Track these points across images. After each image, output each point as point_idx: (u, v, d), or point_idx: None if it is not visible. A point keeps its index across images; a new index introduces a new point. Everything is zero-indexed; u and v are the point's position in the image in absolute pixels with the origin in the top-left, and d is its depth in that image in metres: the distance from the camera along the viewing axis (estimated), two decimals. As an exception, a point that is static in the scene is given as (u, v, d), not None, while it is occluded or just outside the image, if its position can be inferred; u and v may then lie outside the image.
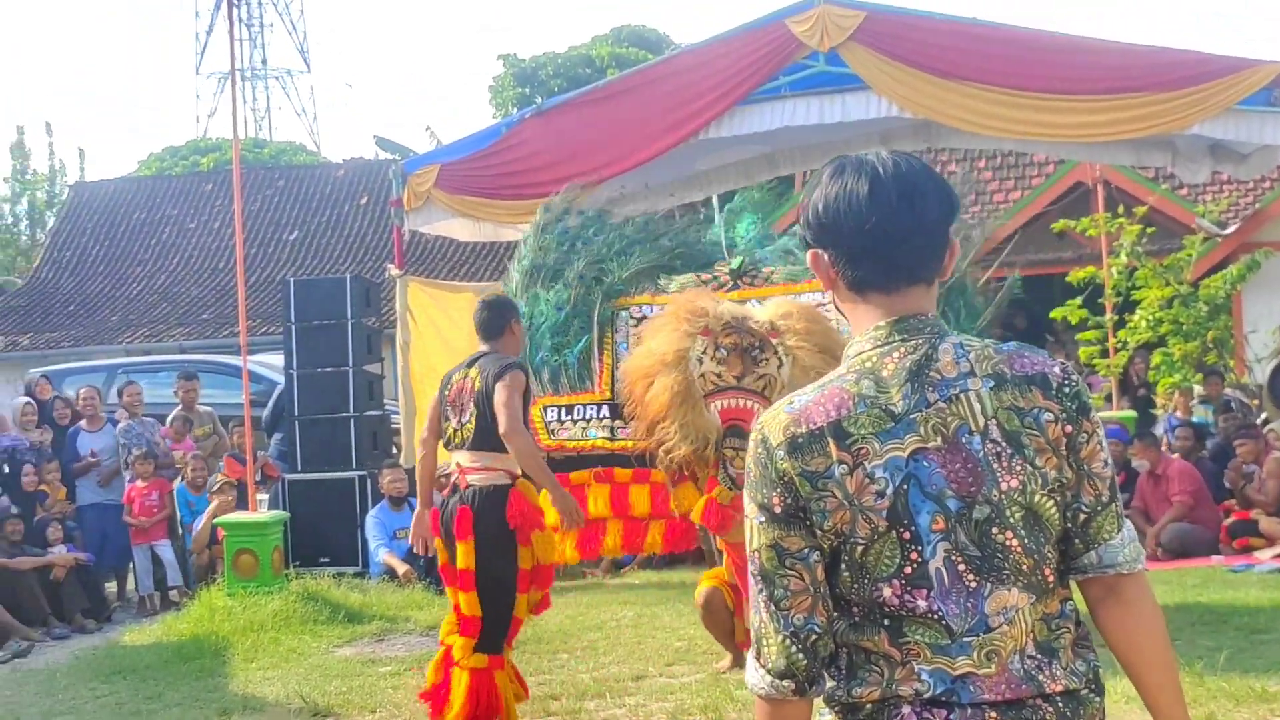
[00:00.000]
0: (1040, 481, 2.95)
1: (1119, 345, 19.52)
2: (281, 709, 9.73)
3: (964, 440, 2.93)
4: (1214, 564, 14.03)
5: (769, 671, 2.97)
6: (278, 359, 17.49)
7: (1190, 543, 14.64)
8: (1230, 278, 19.45)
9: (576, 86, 18.28)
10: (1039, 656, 2.95)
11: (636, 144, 16.02)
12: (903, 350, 3.00)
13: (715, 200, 23.24)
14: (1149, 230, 20.00)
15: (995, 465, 2.93)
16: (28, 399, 16.99)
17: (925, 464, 2.92)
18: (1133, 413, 18.98)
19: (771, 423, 3.00)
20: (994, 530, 2.92)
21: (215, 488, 15.11)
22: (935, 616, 2.91)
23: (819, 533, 2.94)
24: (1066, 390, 3.00)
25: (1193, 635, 10.48)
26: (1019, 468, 2.94)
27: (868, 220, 2.99)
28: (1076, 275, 19.81)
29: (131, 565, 15.87)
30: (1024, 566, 2.94)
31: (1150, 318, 19.22)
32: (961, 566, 2.91)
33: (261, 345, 24.57)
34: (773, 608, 2.95)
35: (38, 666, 12.29)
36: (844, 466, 2.91)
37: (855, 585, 2.95)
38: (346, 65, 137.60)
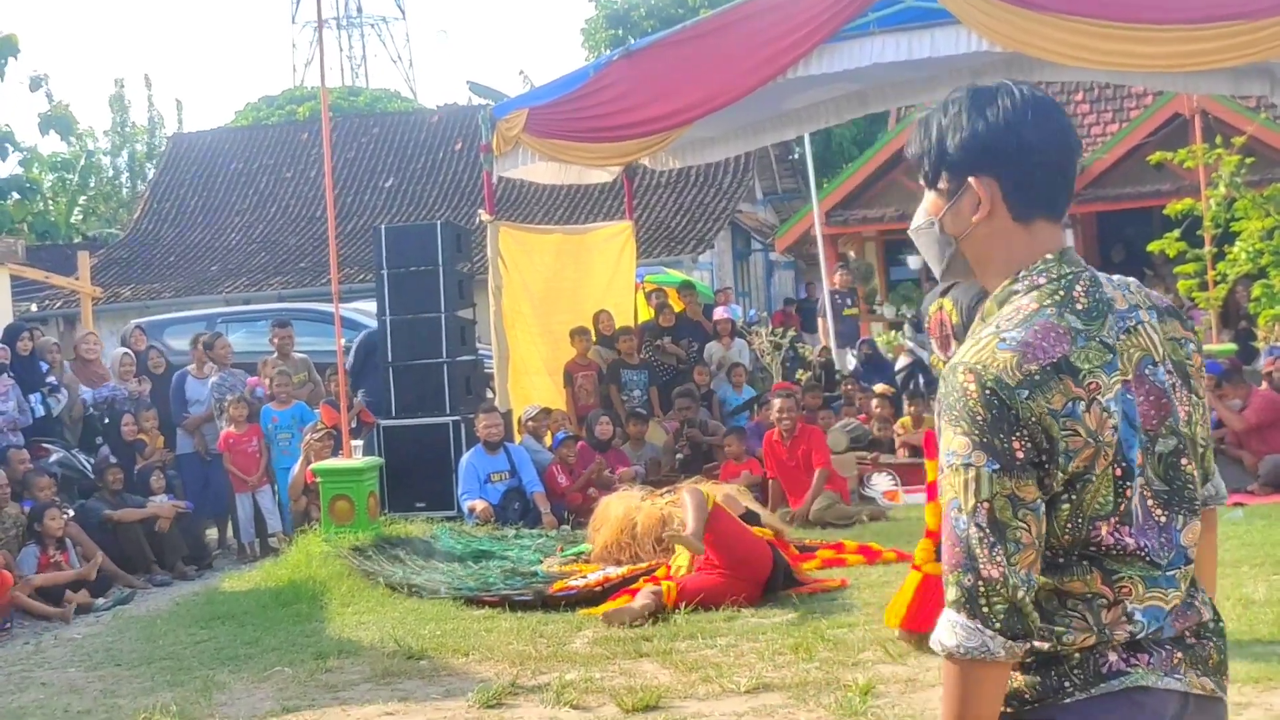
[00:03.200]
0: (1201, 411, 2.99)
1: (1218, 278, 19.23)
2: (376, 652, 9.81)
3: (1147, 372, 2.90)
4: (1316, 498, 13.83)
5: (1000, 633, 2.77)
6: (373, 306, 17.58)
7: (1291, 476, 14.43)
8: (1332, 207, 19.06)
9: (669, 27, 18.18)
10: (1193, 589, 2.98)
11: (725, 84, 15.95)
12: (1082, 282, 2.93)
13: (806, 139, 23.23)
14: (1248, 160, 19.65)
15: (1174, 395, 2.93)
16: (125, 350, 17.18)
17: (1128, 397, 2.86)
18: (1233, 345, 18.69)
19: (992, 363, 2.81)
20: (1182, 461, 2.92)
21: (310, 435, 15.19)
22: (1142, 553, 2.86)
23: (1057, 476, 2.79)
24: (1189, 324, 3.03)
25: (1293, 569, 10.37)
26: (1186, 398, 2.96)
27: (1050, 141, 2.96)
28: (1174, 208, 19.49)
29: (231, 513, 16.05)
30: (1198, 497, 2.95)
31: (1250, 249, 18.85)
32: (1150, 501, 2.88)
33: (360, 293, 24.78)
34: (1004, 564, 2.76)
35: (139, 613, 12.46)
36: (1083, 403, 2.79)
37: (1070, 526, 2.84)
38: (442, 11, 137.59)
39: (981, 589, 2.76)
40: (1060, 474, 2.78)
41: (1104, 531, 2.83)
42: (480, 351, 17.25)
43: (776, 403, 14.98)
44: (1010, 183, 2.95)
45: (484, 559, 12.82)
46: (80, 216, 50.72)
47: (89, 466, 15.19)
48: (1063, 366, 2.78)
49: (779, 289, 40.87)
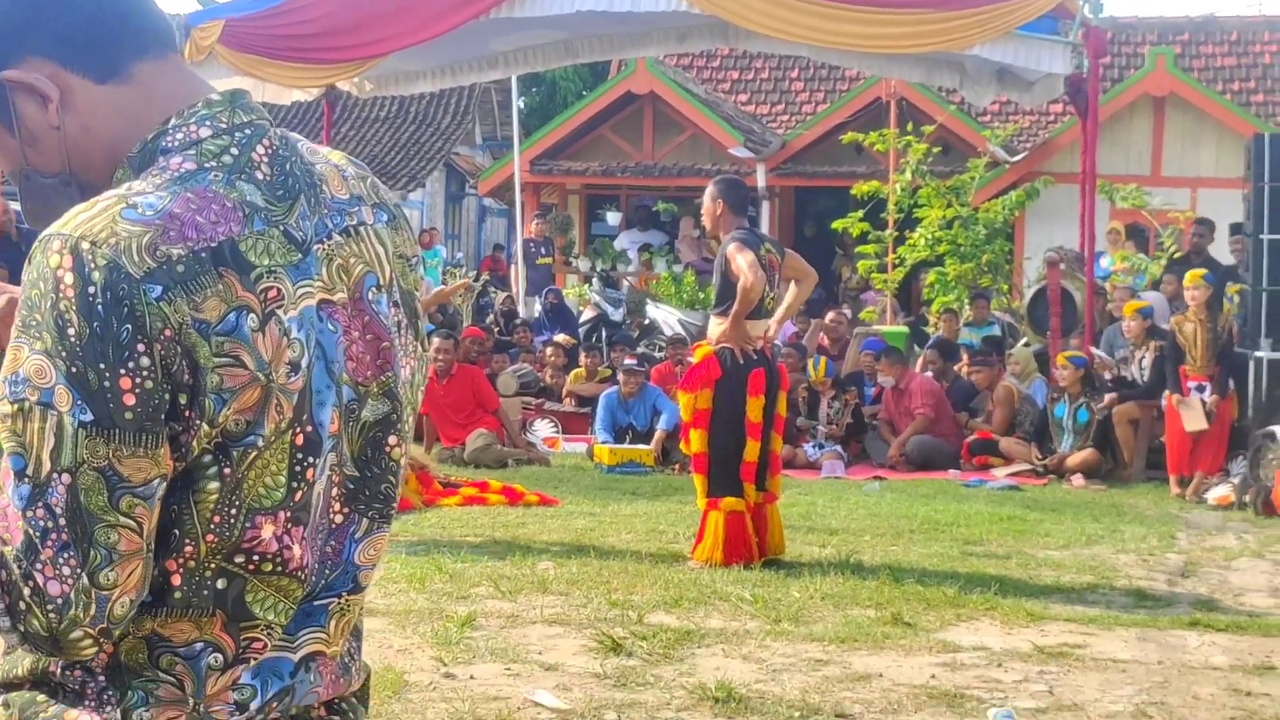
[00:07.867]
0: (423, 372, 2.08)
1: (897, 261, 19.76)
2: None
3: (370, 298, 1.94)
4: (950, 477, 14.34)
5: (30, 678, 1.87)
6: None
7: (932, 456, 14.94)
8: (1010, 204, 19.74)
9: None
10: (353, 640, 2.05)
11: (425, 19, 15.84)
12: (268, 141, 1.90)
13: (514, 81, 23.22)
14: (935, 150, 20.21)
15: (397, 340, 1.98)
16: None
17: (328, 327, 1.87)
18: (904, 329, 19.21)
19: (108, 238, 1.71)
20: (389, 440, 1.97)
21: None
22: (300, 572, 1.88)
23: (201, 433, 1.75)
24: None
25: (909, 543, 10.69)
26: (412, 348, 2.03)
27: None
28: (861, 189, 20.01)
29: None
30: (395, 497, 2.01)
31: (929, 236, 19.45)
32: (335, 491, 1.92)
33: None
34: (74, 582, 1.71)
35: None
36: (254, 317, 1.76)
37: (218, 521, 1.80)
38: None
39: (24, 606, 1.73)
40: (207, 429, 1.75)
41: (267, 534, 1.82)
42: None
43: (435, 341, 15.13)
44: (64, 47, 1.87)
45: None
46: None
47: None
48: (225, 255, 1.76)
49: (490, 234, 40.80)
